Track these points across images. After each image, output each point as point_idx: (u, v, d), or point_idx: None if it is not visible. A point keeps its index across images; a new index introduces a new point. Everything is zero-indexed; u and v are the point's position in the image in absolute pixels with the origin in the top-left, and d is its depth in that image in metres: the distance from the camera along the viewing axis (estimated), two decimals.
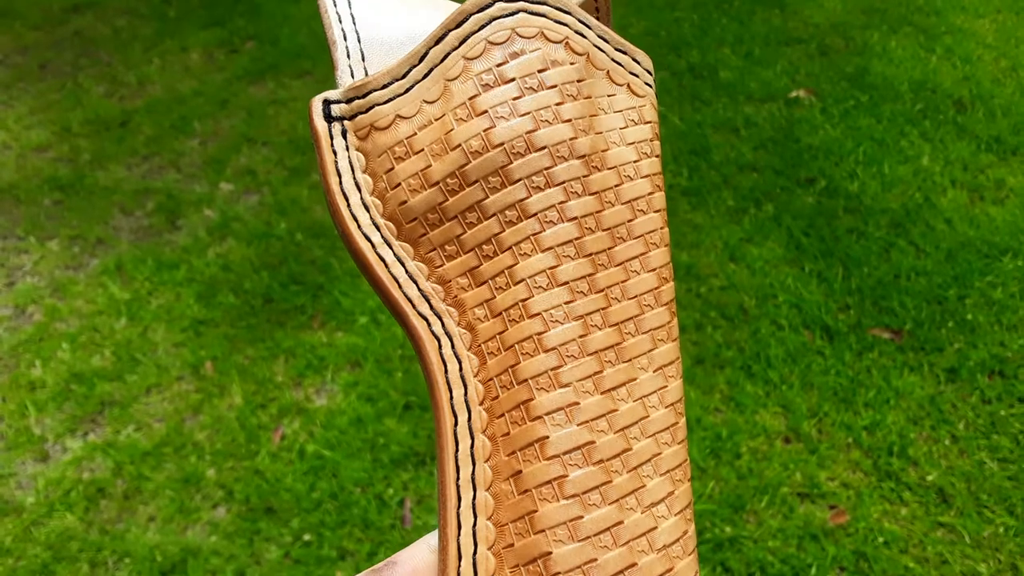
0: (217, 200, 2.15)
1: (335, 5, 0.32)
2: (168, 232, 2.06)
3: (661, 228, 0.29)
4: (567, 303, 0.27)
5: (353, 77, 0.31)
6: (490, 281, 0.28)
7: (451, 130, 0.28)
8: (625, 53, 0.30)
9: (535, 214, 0.28)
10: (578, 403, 0.27)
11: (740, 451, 1.47)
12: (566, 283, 0.27)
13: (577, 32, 0.29)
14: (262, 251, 1.97)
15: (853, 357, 1.61)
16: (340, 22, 0.31)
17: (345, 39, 0.31)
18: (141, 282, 1.90)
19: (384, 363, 1.66)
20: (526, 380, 0.27)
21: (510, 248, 0.28)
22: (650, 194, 0.29)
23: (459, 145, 0.28)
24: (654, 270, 0.29)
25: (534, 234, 0.28)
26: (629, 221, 0.29)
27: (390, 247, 0.29)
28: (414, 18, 0.32)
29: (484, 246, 0.28)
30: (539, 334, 0.27)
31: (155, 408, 1.63)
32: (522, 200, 0.28)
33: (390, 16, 0.32)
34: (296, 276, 1.89)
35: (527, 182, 0.28)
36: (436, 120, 0.29)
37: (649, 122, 0.30)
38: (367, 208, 0.29)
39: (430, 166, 0.28)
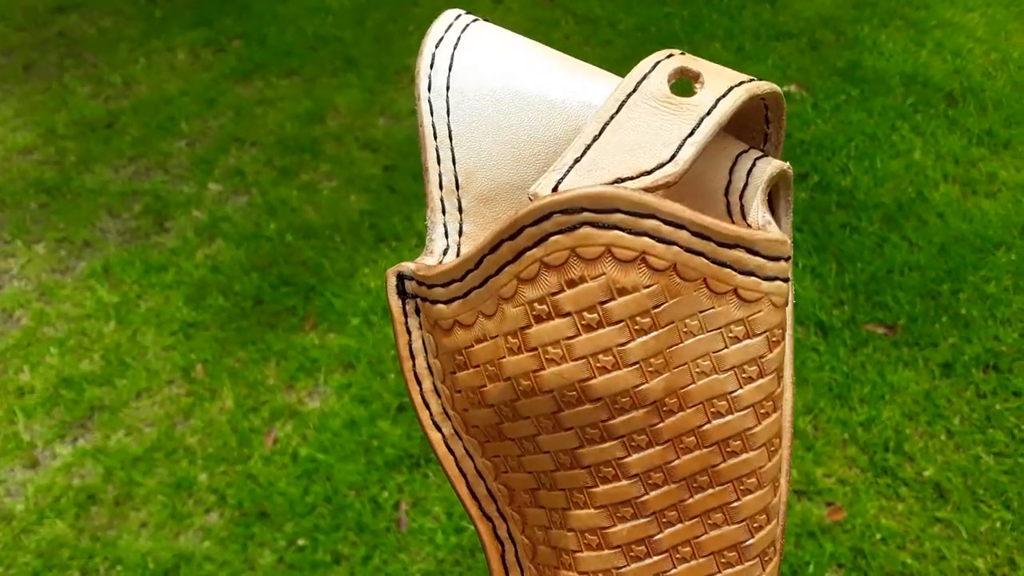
0: (205, 201, 2.13)
1: (431, 114, 0.28)
2: (156, 234, 2.04)
3: (761, 467, 0.24)
4: (617, 568, 0.24)
5: (444, 213, 0.28)
6: (547, 511, 0.25)
7: (503, 358, 0.25)
8: (737, 247, 0.24)
9: (588, 467, 0.24)
10: None
11: None
12: (619, 547, 0.24)
13: (660, 239, 0.23)
14: (252, 252, 1.95)
15: (848, 353, 1.61)
16: (435, 139, 0.28)
17: (439, 163, 0.28)
18: (129, 285, 1.88)
19: (377, 364, 1.65)
20: None
21: (563, 491, 0.25)
22: (749, 429, 0.24)
23: (509, 378, 0.25)
24: (743, 521, 0.24)
25: (586, 487, 0.24)
26: (714, 467, 0.24)
27: (460, 439, 0.27)
28: (533, 125, 0.27)
29: (541, 476, 0.25)
30: None
31: (145, 412, 1.61)
32: (575, 449, 0.24)
33: (499, 127, 0.28)
34: (287, 277, 1.87)
35: (579, 432, 0.24)
36: (491, 339, 0.25)
37: (762, 333, 0.24)
38: (439, 394, 0.27)
39: (485, 386, 0.26)
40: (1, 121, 2.48)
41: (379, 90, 2.49)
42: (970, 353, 1.59)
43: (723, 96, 0.25)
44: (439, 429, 0.27)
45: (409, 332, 0.27)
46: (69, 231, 2.06)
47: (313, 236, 1.98)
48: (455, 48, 0.28)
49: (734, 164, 0.26)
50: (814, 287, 1.74)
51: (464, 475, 0.27)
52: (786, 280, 0.25)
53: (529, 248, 0.24)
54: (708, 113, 0.24)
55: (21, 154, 2.35)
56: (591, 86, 0.27)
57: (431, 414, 0.27)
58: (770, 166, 0.26)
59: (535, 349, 0.24)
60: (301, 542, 1.39)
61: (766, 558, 0.25)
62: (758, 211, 0.25)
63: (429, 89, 0.28)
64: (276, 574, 1.35)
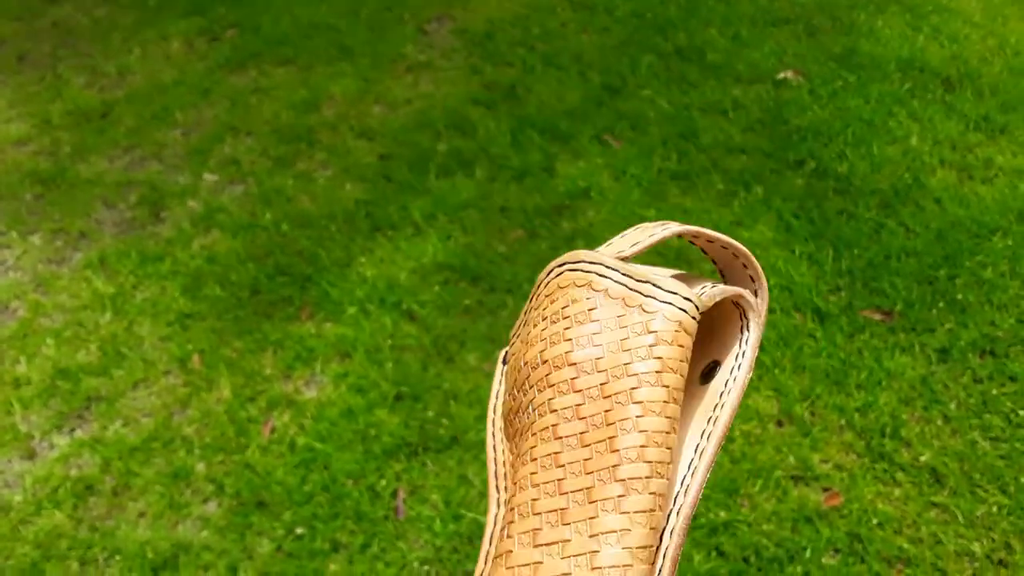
0: (201, 191, 2.12)
1: None
2: (152, 224, 2.04)
3: (638, 416, 0.34)
4: (532, 474, 0.35)
5: None
6: (517, 456, 0.37)
7: (519, 351, 0.39)
8: (646, 282, 0.37)
9: (535, 409, 0.36)
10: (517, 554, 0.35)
11: (733, 435, 1.46)
12: (537, 459, 0.35)
13: (600, 275, 0.38)
14: (248, 242, 1.95)
15: (844, 339, 1.61)
16: None
17: None
18: (125, 275, 1.88)
19: (374, 353, 1.65)
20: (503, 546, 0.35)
21: (524, 436, 0.37)
22: (634, 388, 0.35)
23: (519, 364, 0.38)
24: (617, 451, 0.34)
25: (532, 424, 0.36)
26: (606, 411, 0.34)
27: (494, 436, 0.39)
28: None
29: (518, 436, 0.37)
30: (515, 497, 0.36)
31: (142, 403, 1.61)
32: (532, 400, 0.37)
33: None
34: (283, 267, 1.87)
35: (536, 386, 0.37)
36: (519, 342, 0.39)
37: (653, 331, 0.36)
38: (495, 411, 0.40)
39: (511, 373, 0.39)
40: None
41: (374, 78, 2.48)
42: (966, 338, 1.59)
43: (712, 287, 0.38)
44: (493, 435, 0.40)
45: (497, 381, 0.41)
46: (65, 222, 2.06)
47: (309, 226, 1.98)
48: None
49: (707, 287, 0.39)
50: (811, 273, 1.74)
51: (494, 452, 0.39)
52: (682, 309, 0.36)
53: (539, 288, 0.40)
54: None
55: (16, 145, 2.34)
56: None
57: (489, 423, 0.40)
58: (726, 285, 0.39)
59: (529, 340, 0.38)
60: (299, 531, 1.39)
61: (632, 487, 0.35)
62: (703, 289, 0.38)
63: None
64: (274, 563, 1.35)
